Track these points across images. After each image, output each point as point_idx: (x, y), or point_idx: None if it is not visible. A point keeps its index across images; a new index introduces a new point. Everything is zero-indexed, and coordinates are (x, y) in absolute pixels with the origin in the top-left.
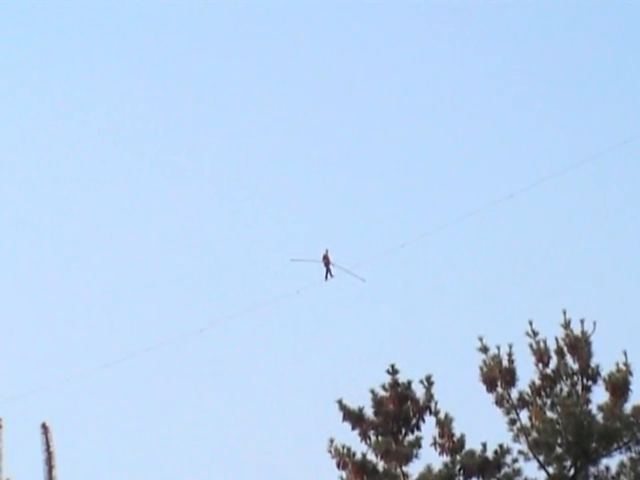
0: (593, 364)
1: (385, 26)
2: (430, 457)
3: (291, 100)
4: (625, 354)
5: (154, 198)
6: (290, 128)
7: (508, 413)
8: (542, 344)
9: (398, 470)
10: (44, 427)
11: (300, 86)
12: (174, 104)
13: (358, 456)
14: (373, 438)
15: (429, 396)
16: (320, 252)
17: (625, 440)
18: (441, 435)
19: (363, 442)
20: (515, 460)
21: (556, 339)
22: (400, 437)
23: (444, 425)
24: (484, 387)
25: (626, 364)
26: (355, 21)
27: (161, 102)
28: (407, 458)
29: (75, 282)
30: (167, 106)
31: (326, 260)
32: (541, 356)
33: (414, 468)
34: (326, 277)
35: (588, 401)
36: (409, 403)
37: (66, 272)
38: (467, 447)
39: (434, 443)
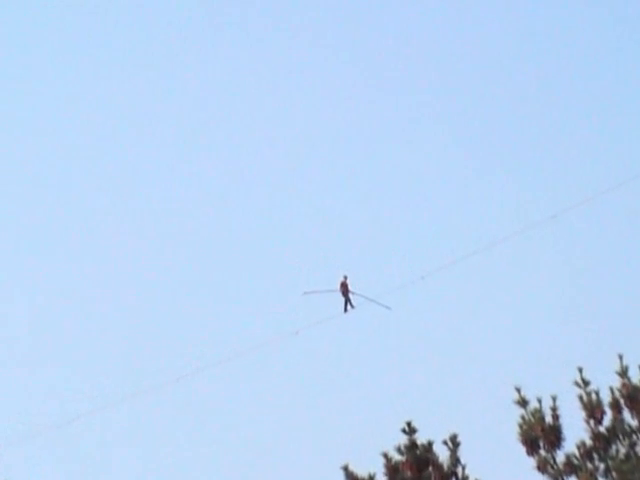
0: None
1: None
2: None
3: (309, 126)
4: None
5: (149, 225)
6: (310, 149)
7: None
8: (594, 396)
9: None
10: None
11: (322, 109)
12: (173, 121)
13: None
14: None
15: (455, 460)
16: (336, 281)
17: None
18: None
19: None
20: None
21: (611, 390)
22: None
23: None
24: (523, 449)
25: None
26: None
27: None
28: None
29: (42, 332)
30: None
31: (344, 288)
32: (593, 410)
33: None
34: (345, 309)
35: None
36: (430, 469)
37: (33, 322)
38: None
39: None
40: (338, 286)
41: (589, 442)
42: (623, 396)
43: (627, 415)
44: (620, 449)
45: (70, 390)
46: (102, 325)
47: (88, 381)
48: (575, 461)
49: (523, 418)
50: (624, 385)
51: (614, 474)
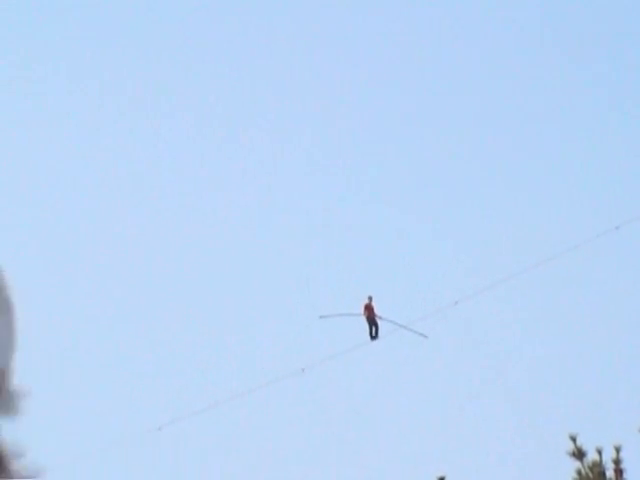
0: None
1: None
2: None
3: (332, 141)
4: None
5: (143, 249)
6: (333, 163)
7: None
8: None
9: None
10: None
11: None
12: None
13: None
14: None
15: None
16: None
17: None
18: None
19: None
20: None
21: None
22: None
23: None
24: None
25: None
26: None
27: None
28: None
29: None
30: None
31: (369, 311)
32: None
33: None
34: (371, 335)
35: None
36: None
37: None
38: None
39: None
40: (362, 309)
41: None
42: None
43: None
44: None
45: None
46: (92, 363)
47: (74, 430)
48: None
49: (579, 473)
50: None
51: None
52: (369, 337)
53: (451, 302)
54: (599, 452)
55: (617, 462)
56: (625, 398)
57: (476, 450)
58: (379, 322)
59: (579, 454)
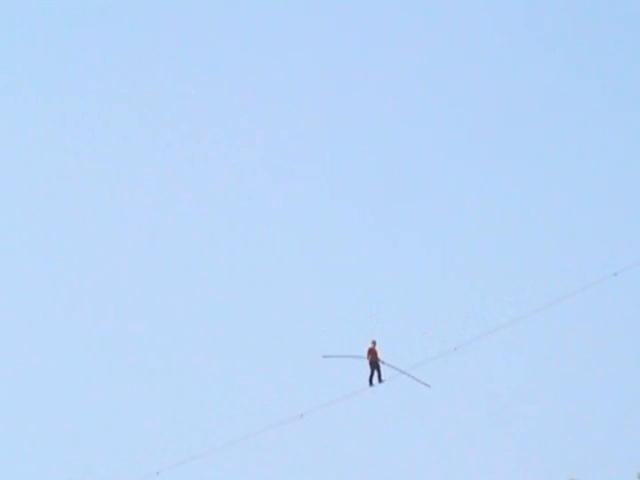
0: None
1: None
2: None
3: (338, 183)
4: None
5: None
6: (339, 208)
7: None
8: None
9: None
10: None
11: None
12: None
13: None
14: None
15: None
16: (360, 347)
17: None
18: None
19: None
20: None
21: None
22: None
23: None
24: None
25: None
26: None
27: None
28: None
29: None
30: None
31: (372, 355)
32: None
33: None
34: (371, 381)
35: None
36: None
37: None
38: None
39: None
40: (365, 353)
41: None
42: None
43: None
44: None
45: None
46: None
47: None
48: None
49: None
50: None
51: None
52: (368, 382)
53: (450, 348)
54: None
55: None
56: (624, 444)
57: None
58: (382, 367)
59: None
